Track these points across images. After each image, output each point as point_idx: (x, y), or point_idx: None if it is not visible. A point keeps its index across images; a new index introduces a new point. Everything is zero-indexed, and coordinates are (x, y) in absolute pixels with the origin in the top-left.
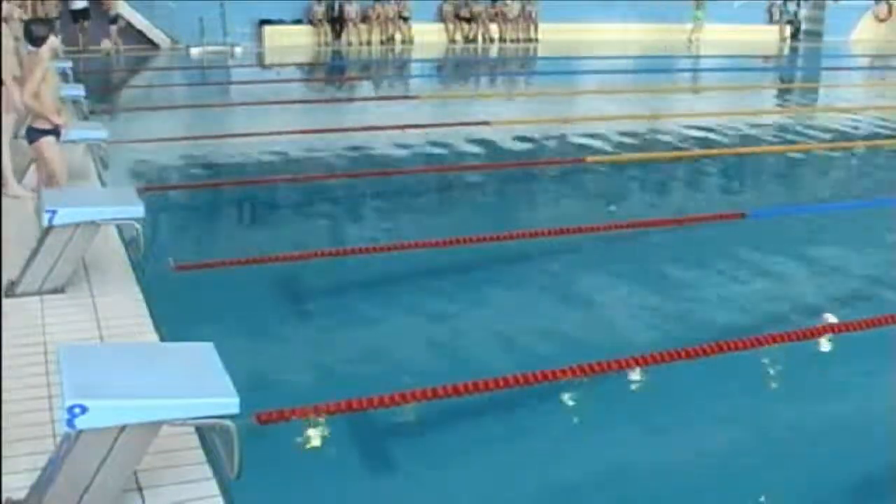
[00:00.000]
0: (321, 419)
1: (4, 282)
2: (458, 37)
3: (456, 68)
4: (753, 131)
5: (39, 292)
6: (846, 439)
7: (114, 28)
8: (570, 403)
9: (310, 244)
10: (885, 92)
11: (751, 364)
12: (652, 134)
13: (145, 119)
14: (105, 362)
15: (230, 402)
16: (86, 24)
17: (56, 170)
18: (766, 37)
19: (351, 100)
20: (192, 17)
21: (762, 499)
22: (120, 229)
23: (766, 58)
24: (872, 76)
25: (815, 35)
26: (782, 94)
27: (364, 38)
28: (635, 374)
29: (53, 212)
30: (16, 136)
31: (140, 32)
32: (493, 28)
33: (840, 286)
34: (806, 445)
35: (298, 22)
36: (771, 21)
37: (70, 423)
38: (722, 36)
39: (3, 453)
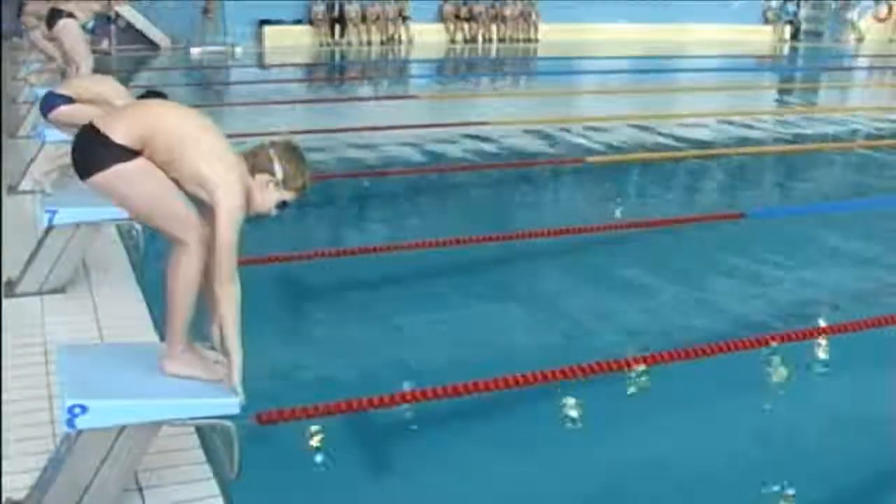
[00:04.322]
0: (321, 419)
1: (4, 281)
2: (458, 37)
3: (456, 68)
4: (753, 131)
5: (39, 292)
6: (847, 440)
7: (112, 28)
8: (571, 404)
9: (309, 244)
10: (884, 92)
11: (751, 364)
12: (652, 134)
13: None
14: (105, 362)
15: (230, 403)
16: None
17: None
18: (764, 37)
19: (351, 99)
20: (192, 17)
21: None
22: (120, 229)
23: (766, 58)
24: (872, 76)
25: (815, 35)
26: (782, 93)
27: (364, 38)
28: (635, 375)
29: (53, 212)
30: (12, 136)
31: (140, 32)
32: (493, 28)
33: (840, 286)
34: (806, 446)
35: (298, 22)
36: (767, 21)
37: (70, 423)
38: (721, 36)
39: (3, 453)
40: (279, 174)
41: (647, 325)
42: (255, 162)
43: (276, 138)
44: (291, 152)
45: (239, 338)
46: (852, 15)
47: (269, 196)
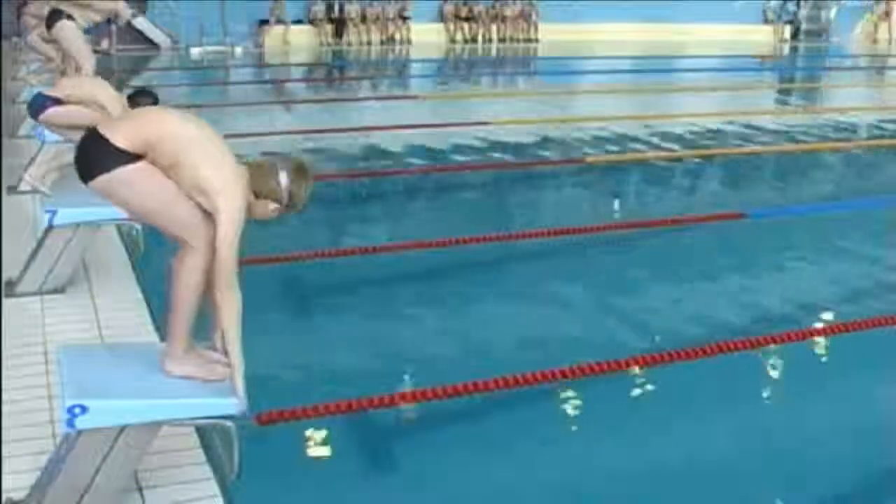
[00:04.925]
0: (321, 419)
1: (4, 281)
2: (458, 37)
3: (456, 68)
4: (753, 131)
5: (39, 292)
6: (848, 442)
7: (112, 28)
8: (570, 404)
9: (309, 244)
10: (884, 91)
11: (751, 364)
12: (652, 134)
13: None
14: (105, 362)
15: (230, 403)
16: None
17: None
18: (764, 37)
19: (351, 100)
20: (191, 17)
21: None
22: (120, 229)
23: (766, 57)
24: (872, 76)
25: (815, 35)
26: (782, 93)
27: (364, 38)
28: (635, 375)
29: (53, 212)
30: (12, 136)
31: (140, 32)
32: (493, 28)
33: (840, 286)
34: (807, 448)
35: (299, 22)
36: (767, 21)
37: (70, 423)
38: (721, 36)
39: (3, 453)
40: (284, 196)
41: (646, 326)
42: (259, 176)
43: (285, 157)
44: (300, 174)
45: (240, 344)
46: (831, 14)
47: (269, 209)
